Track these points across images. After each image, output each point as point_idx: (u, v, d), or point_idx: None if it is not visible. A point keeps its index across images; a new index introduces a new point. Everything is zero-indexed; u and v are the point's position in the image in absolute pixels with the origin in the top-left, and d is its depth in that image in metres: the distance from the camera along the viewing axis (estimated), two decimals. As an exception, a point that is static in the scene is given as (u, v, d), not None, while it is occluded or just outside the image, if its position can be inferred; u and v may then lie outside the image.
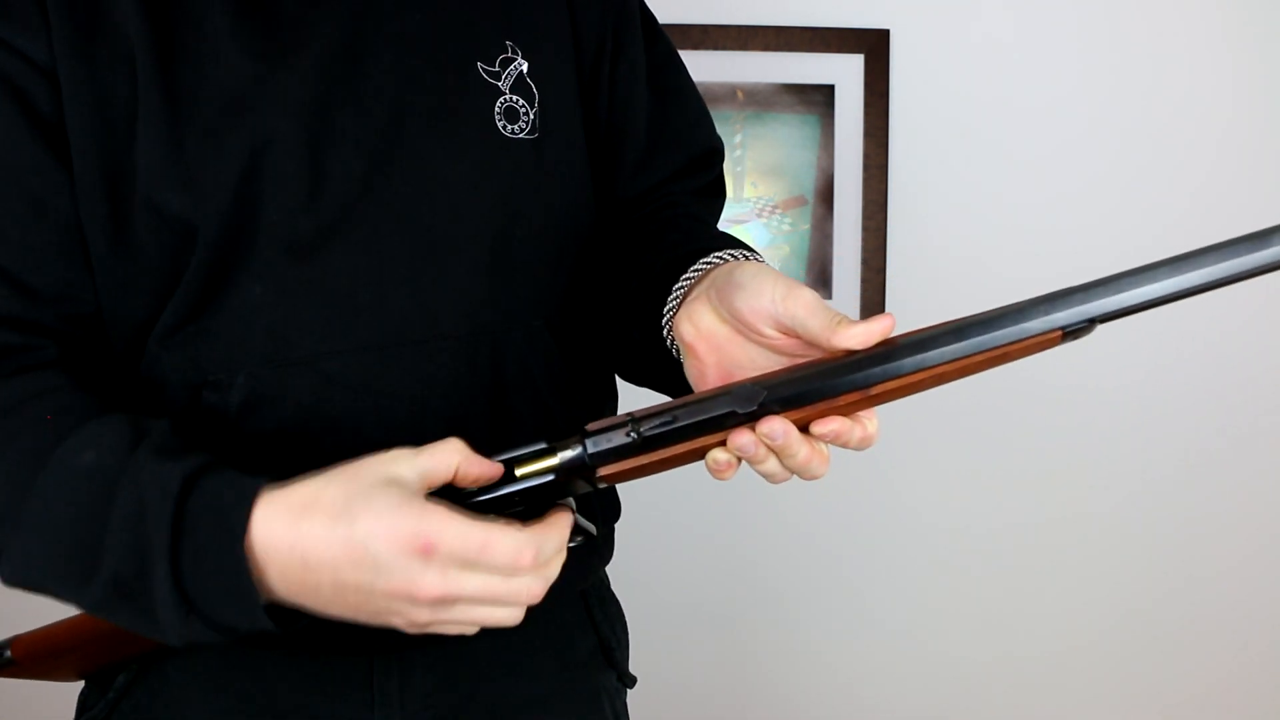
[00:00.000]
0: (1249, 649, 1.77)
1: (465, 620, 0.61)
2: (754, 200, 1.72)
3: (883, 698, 1.79)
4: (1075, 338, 0.62)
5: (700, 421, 0.63)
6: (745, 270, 0.66)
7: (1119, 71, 1.70)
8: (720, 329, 0.67)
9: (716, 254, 0.72)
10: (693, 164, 0.90)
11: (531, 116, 0.79)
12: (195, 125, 0.69)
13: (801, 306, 0.62)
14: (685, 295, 0.70)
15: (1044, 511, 1.76)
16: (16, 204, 0.68)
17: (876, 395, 0.62)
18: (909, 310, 1.71)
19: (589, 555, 0.85)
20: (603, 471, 0.64)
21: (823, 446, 0.63)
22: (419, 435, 0.71)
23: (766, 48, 1.69)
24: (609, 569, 0.91)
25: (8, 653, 0.74)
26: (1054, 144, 1.70)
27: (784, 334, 0.64)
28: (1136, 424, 1.74)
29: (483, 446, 0.67)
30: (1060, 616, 1.77)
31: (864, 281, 1.72)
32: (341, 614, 0.60)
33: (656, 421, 0.63)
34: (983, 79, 1.70)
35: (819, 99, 1.70)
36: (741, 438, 0.62)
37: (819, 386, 0.62)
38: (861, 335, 0.61)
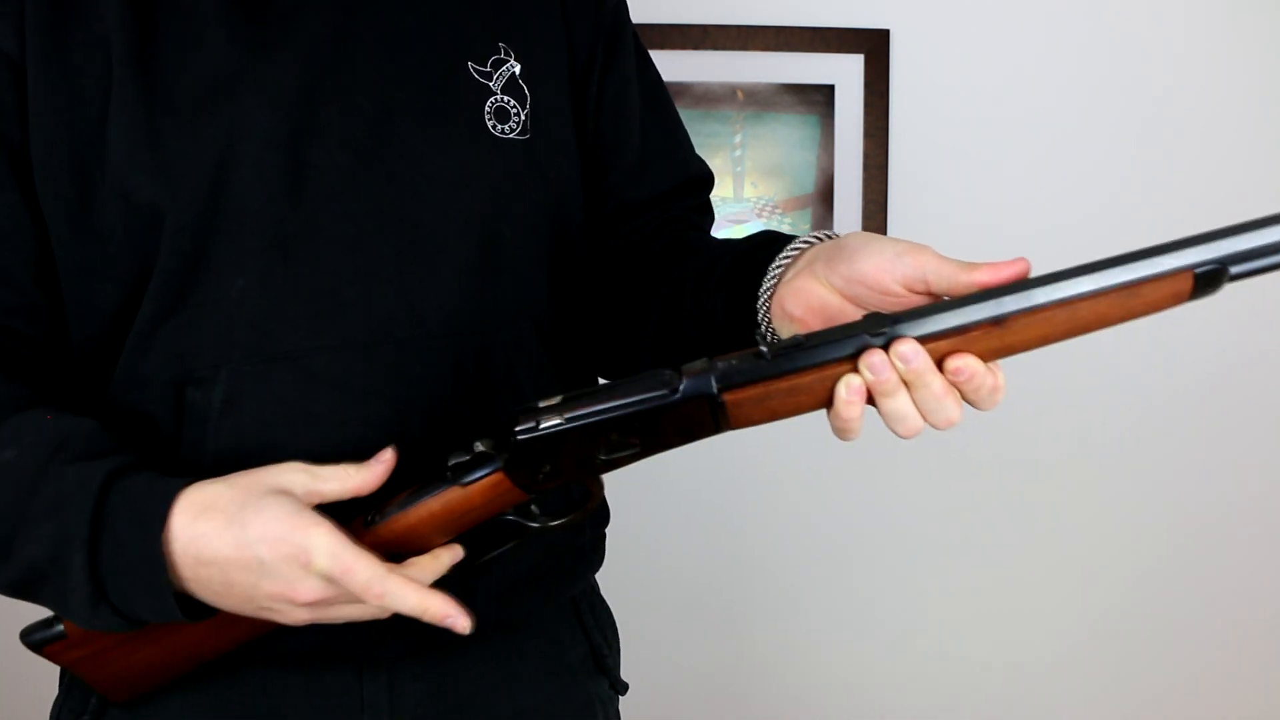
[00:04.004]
0: (1249, 647, 1.76)
1: (341, 617, 0.66)
2: (754, 200, 1.72)
3: (875, 703, 1.78)
4: (1207, 289, 0.60)
5: (830, 343, 0.61)
6: (854, 238, 0.66)
7: (1120, 71, 1.69)
8: (831, 300, 0.65)
9: (808, 237, 0.71)
10: (689, 184, 0.91)
11: (523, 118, 0.79)
12: (172, 112, 0.69)
13: (930, 256, 0.62)
14: (780, 277, 0.70)
15: (1045, 509, 1.75)
16: None
17: (1010, 327, 0.60)
18: (909, 311, 1.70)
19: (579, 561, 0.84)
20: (730, 397, 0.62)
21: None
22: (402, 435, 0.71)
23: (766, 48, 1.68)
24: (600, 575, 0.91)
25: (59, 625, 0.70)
26: (1054, 144, 1.69)
27: (910, 290, 0.63)
28: (1139, 422, 1.73)
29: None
30: (1062, 614, 1.76)
31: (864, 282, 1.71)
32: (228, 607, 0.65)
33: (787, 342, 0.62)
34: (983, 79, 1.69)
35: (819, 99, 1.69)
36: (873, 357, 0.60)
37: (950, 314, 0.60)
38: (1005, 270, 0.61)
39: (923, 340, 0.60)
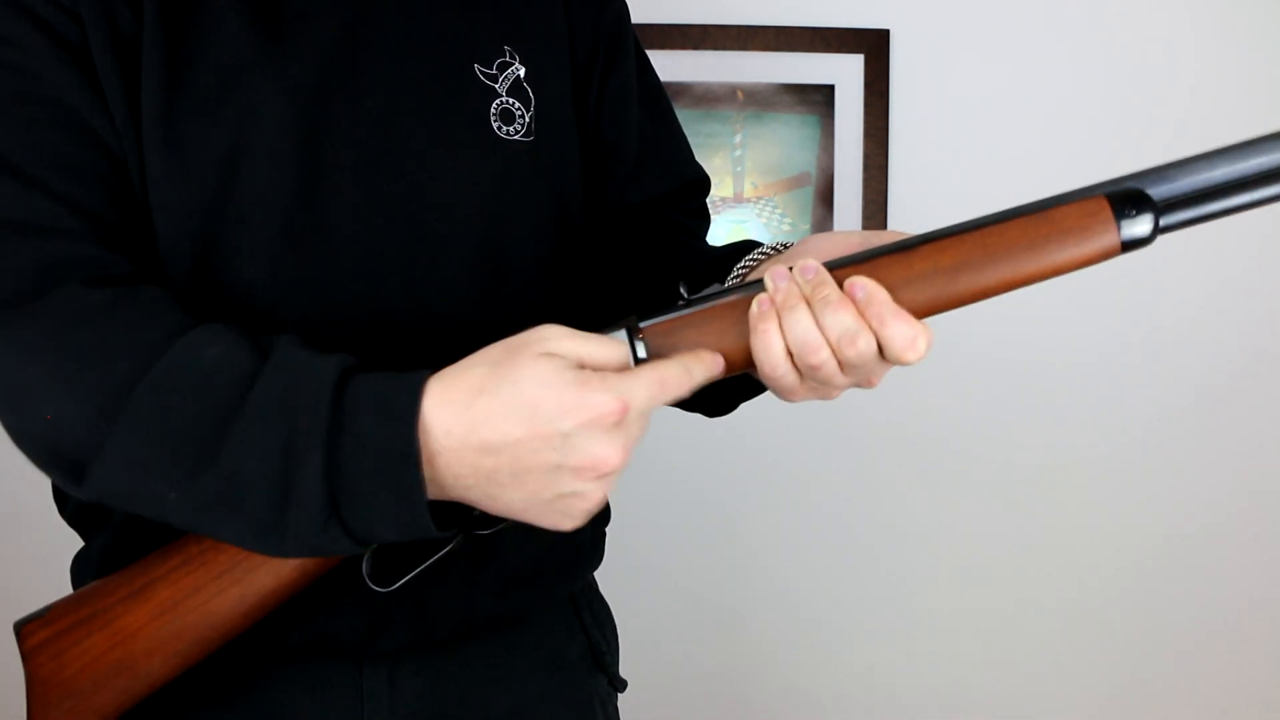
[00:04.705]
0: (1246, 647, 1.77)
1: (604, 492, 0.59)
2: (754, 200, 1.72)
3: (872, 700, 1.79)
4: (1132, 224, 0.60)
5: (741, 286, 0.63)
6: (814, 237, 0.67)
7: (1119, 72, 1.69)
8: None
9: (772, 246, 0.72)
10: (686, 188, 0.93)
11: (527, 120, 0.80)
12: (187, 98, 0.70)
13: (890, 235, 0.64)
14: (744, 278, 0.71)
15: (1042, 510, 1.75)
16: (75, 142, 0.67)
17: (918, 252, 0.61)
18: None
19: (578, 558, 0.85)
20: (648, 327, 0.62)
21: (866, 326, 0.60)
22: None
23: (766, 48, 1.68)
24: (598, 573, 0.91)
25: (48, 613, 0.67)
26: (1054, 144, 1.70)
27: None
28: (1136, 425, 1.74)
29: None
30: (1059, 613, 1.77)
31: (864, 282, 1.71)
32: (509, 504, 0.58)
33: (703, 293, 0.64)
34: (983, 79, 1.69)
35: (819, 99, 1.69)
36: (775, 271, 0.61)
37: (862, 253, 0.62)
38: None
39: (830, 266, 0.61)
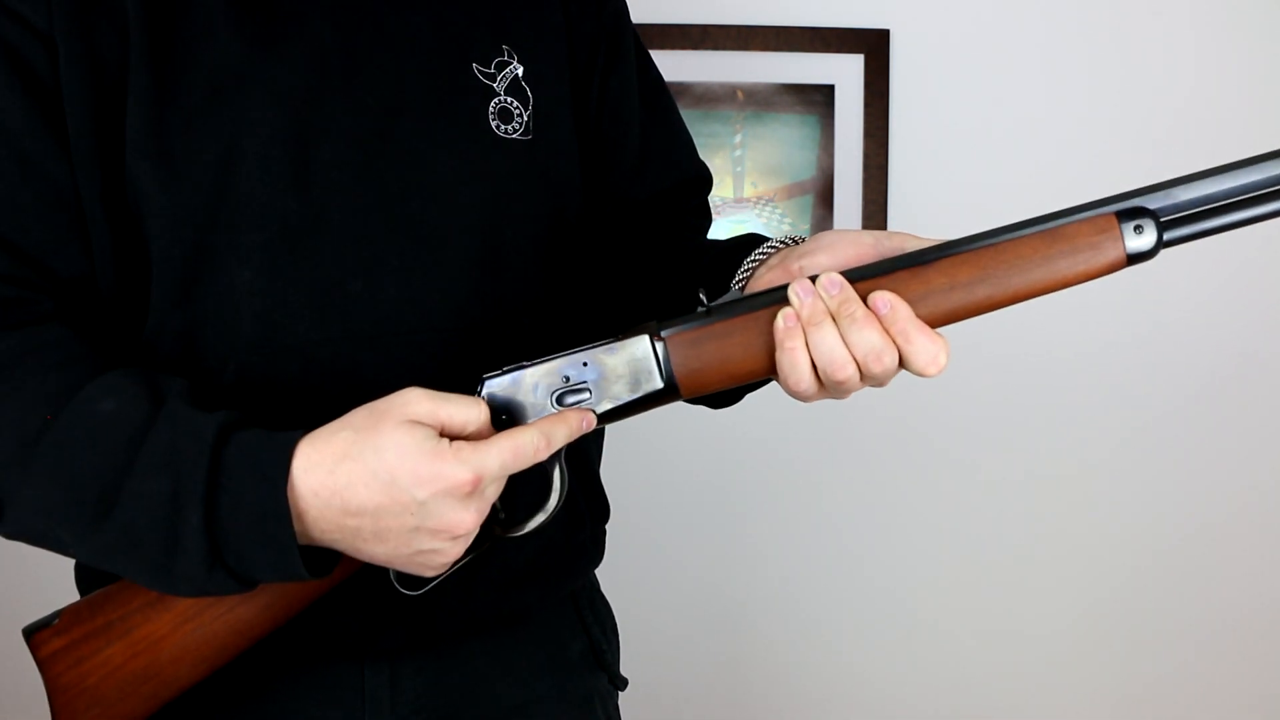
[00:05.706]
0: (1242, 646, 1.77)
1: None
2: (754, 200, 1.72)
3: (874, 698, 1.79)
4: (1138, 240, 0.63)
5: (763, 294, 0.65)
6: (830, 234, 0.69)
7: (1120, 72, 1.70)
8: None
9: (782, 239, 0.74)
10: (688, 184, 0.93)
11: (525, 118, 0.80)
12: (179, 105, 0.70)
13: (906, 237, 0.66)
14: (754, 272, 0.72)
15: (1044, 509, 1.76)
16: (5, 163, 0.68)
17: (935, 266, 0.63)
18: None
19: (578, 557, 0.85)
20: (671, 337, 0.65)
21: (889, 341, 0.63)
22: None
23: (766, 48, 1.68)
24: (599, 571, 0.91)
25: (57, 621, 0.69)
26: (1054, 144, 1.70)
27: None
28: (1138, 422, 1.74)
29: None
30: (1063, 611, 1.77)
31: (864, 282, 1.71)
32: (373, 556, 0.63)
33: (726, 296, 0.67)
34: (983, 79, 1.69)
35: (819, 99, 1.70)
36: (800, 286, 0.63)
37: (878, 265, 0.64)
38: None
39: (848, 278, 0.63)
